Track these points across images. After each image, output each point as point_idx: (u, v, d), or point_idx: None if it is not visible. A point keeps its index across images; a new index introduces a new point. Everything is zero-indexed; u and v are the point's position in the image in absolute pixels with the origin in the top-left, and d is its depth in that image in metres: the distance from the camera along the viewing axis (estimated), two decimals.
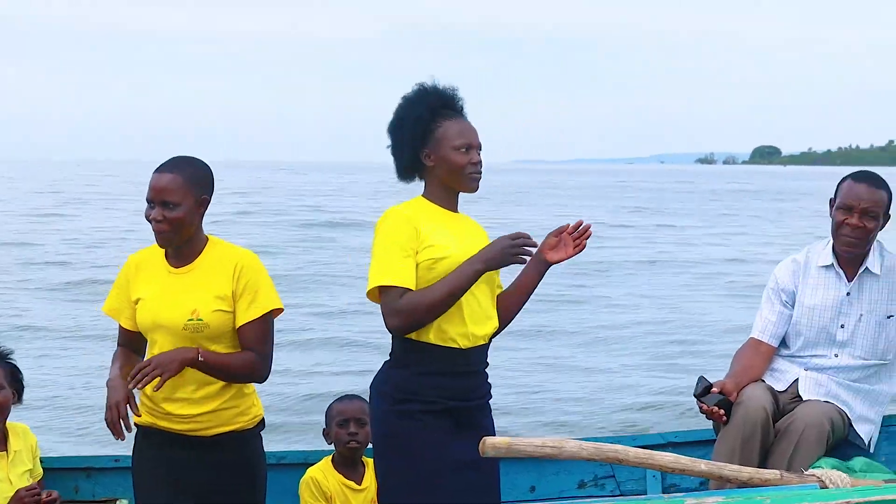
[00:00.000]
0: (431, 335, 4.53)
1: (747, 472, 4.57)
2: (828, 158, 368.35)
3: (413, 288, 4.50)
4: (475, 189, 4.67)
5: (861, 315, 5.52)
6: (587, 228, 4.64)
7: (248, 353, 4.70)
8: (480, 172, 4.64)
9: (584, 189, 79.99)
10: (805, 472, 4.71)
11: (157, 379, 4.48)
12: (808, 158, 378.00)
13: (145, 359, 4.69)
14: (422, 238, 4.54)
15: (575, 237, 4.63)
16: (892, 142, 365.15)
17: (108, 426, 4.55)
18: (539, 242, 4.60)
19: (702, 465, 4.54)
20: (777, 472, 4.68)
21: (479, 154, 4.64)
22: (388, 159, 4.75)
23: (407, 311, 4.48)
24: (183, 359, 4.54)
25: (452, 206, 4.71)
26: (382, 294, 4.53)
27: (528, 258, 4.52)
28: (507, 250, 4.43)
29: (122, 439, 4.53)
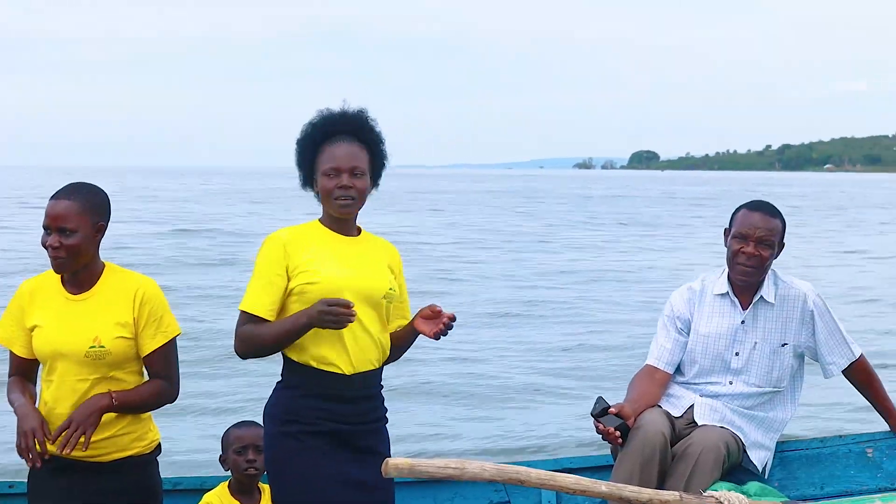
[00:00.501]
0: (311, 360, 4.63)
1: (647, 493, 4.65)
2: (706, 163, 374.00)
3: (264, 315, 4.63)
4: (345, 214, 4.75)
5: (756, 343, 5.66)
6: (452, 319, 4.74)
7: (156, 381, 4.77)
8: (351, 197, 4.68)
9: (452, 194, 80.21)
10: (704, 494, 4.81)
11: (83, 438, 4.51)
12: (686, 163, 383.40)
13: (42, 390, 4.71)
14: (295, 263, 4.64)
15: (444, 323, 4.73)
16: (769, 146, 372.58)
17: (20, 453, 4.53)
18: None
19: (602, 486, 4.60)
20: (676, 493, 4.76)
21: (350, 178, 4.68)
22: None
23: (241, 339, 4.68)
24: (99, 408, 4.58)
25: (345, 229, 4.78)
26: (240, 316, 4.69)
27: (342, 326, 4.53)
28: (322, 315, 4.48)
29: (39, 466, 4.51)
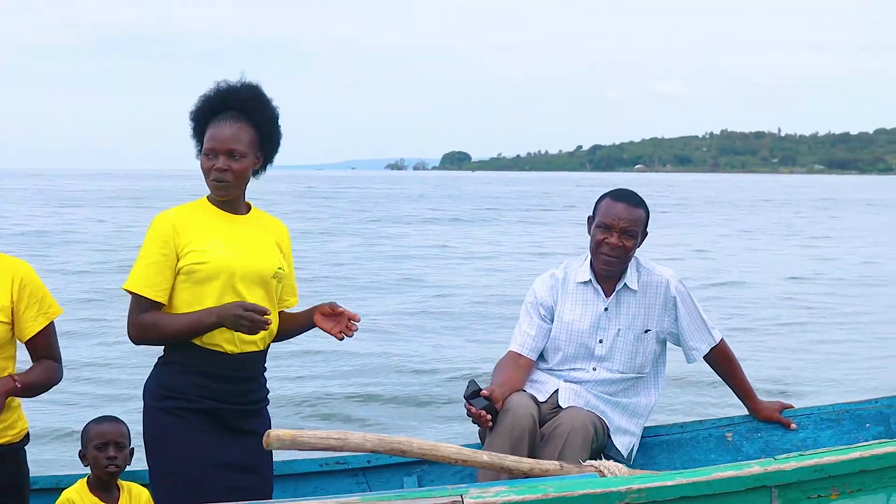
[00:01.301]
0: (196, 338, 4.64)
1: (528, 462, 4.74)
2: (517, 163, 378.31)
3: (153, 297, 4.65)
4: (222, 196, 4.78)
5: (619, 330, 5.77)
6: (355, 320, 4.77)
7: (47, 361, 4.73)
8: (225, 180, 4.70)
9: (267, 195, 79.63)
10: (583, 463, 4.91)
11: None
12: (498, 164, 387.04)
13: None
14: (184, 243, 4.65)
15: (347, 325, 4.76)
16: (580, 147, 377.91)
17: None
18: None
19: (484, 455, 4.69)
20: (556, 462, 4.87)
21: (227, 160, 4.70)
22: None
23: (140, 328, 4.69)
24: (4, 392, 4.52)
25: (233, 207, 4.81)
26: (131, 298, 4.70)
27: (256, 332, 4.59)
28: (237, 319, 4.52)
29: None
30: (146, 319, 4.65)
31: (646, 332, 5.80)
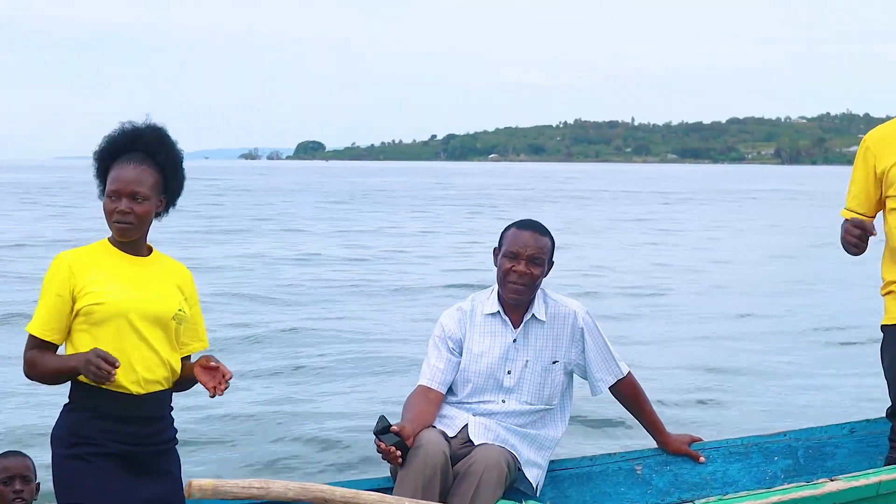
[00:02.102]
0: None
1: None
2: (371, 153, 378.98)
3: (48, 338, 4.69)
4: (124, 238, 4.78)
5: (527, 361, 5.79)
6: (228, 378, 4.76)
7: None
8: (128, 222, 4.70)
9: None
10: None
11: None
12: (352, 153, 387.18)
13: None
14: (80, 284, 4.66)
15: (220, 381, 4.74)
16: (434, 136, 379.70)
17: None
18: None
19: (406, 502, 4.72)
20: None
21: (129, 202, 4.70)
22: None
23: (28, 364, 4.73)
24: None
25: (133, 249, 4.81)
26: (28, 338, 4.73)
27: (101, 381, 4.55)
28: (86, 366, 4.51)
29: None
30: (29, 357, 4.71)
31: (553, 363, 5.83)
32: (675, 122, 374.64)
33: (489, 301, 5.87)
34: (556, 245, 5.92)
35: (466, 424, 5.74)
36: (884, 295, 5.88)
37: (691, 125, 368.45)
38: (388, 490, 5.58)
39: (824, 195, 70.70)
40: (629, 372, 6.02)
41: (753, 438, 6.26)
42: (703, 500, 4.54)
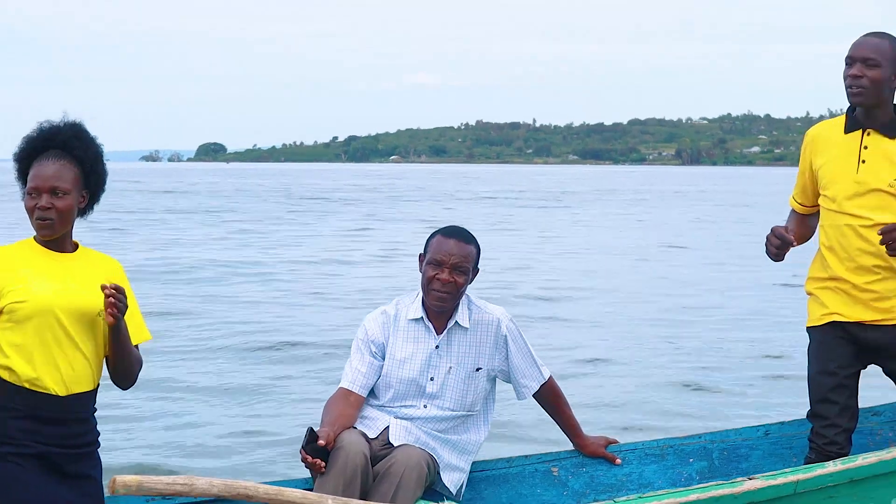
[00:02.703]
0: (24, 381, 4.64)
1: None
2: (273, 154, 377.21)
3: None
4: (46, 236, 4.78)
5: (450, 368, 5.86)
6: (114, 289, 4.71)
7: None
8: (49, 218, 4.70)
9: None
10: None
11: None
12: (254, 155, 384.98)
13: None
14: (3, 283, 4.65)
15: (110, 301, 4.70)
16: (336, 138, 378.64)
17: None
18: None
19: (329, 500, 4.74)
20: None
21: (50, 197, 4.70)
22: None
23: None
24: None
25: (59, 246, 4.80)
26: None
27: None
28: None
29: None
30: None
31: (477, 370, 5.89)
32: (576, 124, 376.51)
33: (413, 306, 5.92)
34: (480, 251, 5.95)
35: (388, 426, 5.78)
36: (807, 294, 6.01)
37: (592, 126, 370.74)
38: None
39: (712, 193, 71.73)
40: (550, 376, 6.11)
41: (669, 440, 6.37)
42: (624, 499, 4.59)
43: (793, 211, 6.23)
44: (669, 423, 10.71)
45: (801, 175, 6.10)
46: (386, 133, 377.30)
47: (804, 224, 6.19)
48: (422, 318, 5.88)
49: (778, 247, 5.86)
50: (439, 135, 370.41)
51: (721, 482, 4.73)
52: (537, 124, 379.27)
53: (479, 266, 5.93)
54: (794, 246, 5.91)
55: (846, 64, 5.80)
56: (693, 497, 4.56)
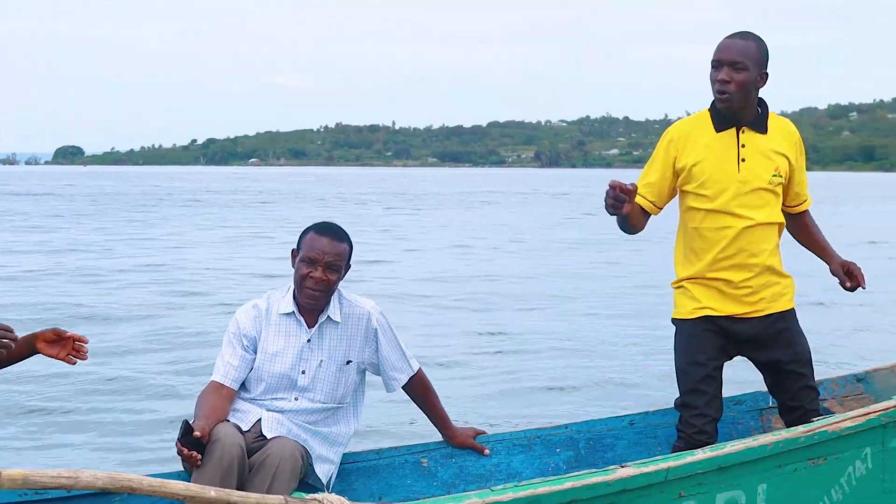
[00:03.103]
0: None
1: (254, 497, 4.80)
2: (131, 157, 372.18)
3: None
4: None
5: (321, 361, 5.91)
6: (82, 341, 4.72)
7: None
8: None
9: None
10: (307, 497, 5.00)
11: None
12: (112, 158, 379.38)
13: None
14: None
15: (75, 346, 4.69)
16: (194, 141, 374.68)
17: None
18: None
19: (212, 491, 4.74)
20: (281, 497, 4.94)
21: None
22: None
23: None
24: None
25: None
26: None
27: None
28: None
29: None
30: None
31: (347, 363, 5.96)
32: (435, 126, 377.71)
33: (284, 301, 5.97)
34: (353, 248, 6.01)
35: (260, 419, 5.81)
36: (674, 288, 6.10)
37: (452, 129, 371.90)
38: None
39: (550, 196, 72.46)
40: (420, 368, 6.19)
41: (536, 431, 6.46)
42: (500, 488, 4.64)
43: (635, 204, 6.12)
44: (533, 411, 10.81)
45: (657, 172, 6.08)
46: (245, 136, 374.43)
47: (640, 221, 6.16)
48: (293, 312, 5.92)
49: (616, 197, 5.71)
50: (299, 137, 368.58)
51: (594, 470, 4.81)
52: (397, 127, 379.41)
53: (350, 263, 5.97)
54: (633, 197, 5.77)
55: (713, 67, 5.89)
56: (568, 485, 4.63)
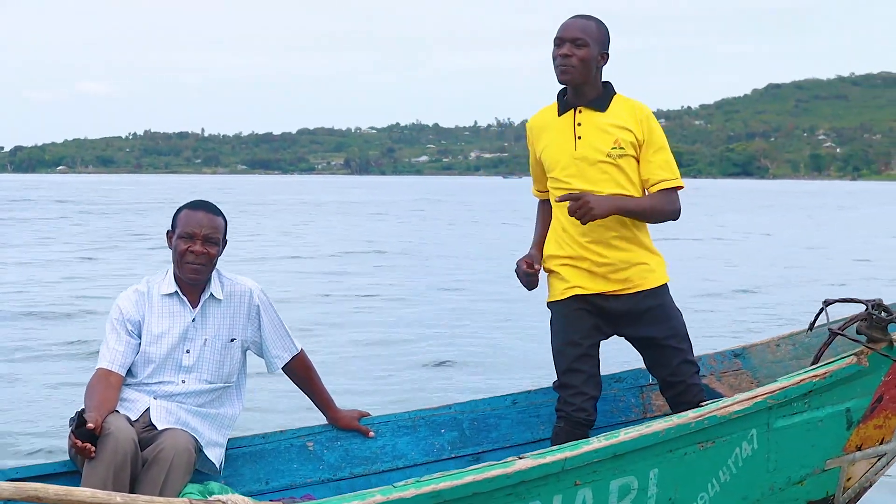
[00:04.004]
0: None
1: (160, 501, 4.70)
2: None
3: None
4: None
5: (206, 340, 5.85)
6: None
7: None
8: None
9: None
10: (210, 498, 4.90)
11: None
12: None
13: None
14: None
15: None
16: (1, 148, 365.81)
17: None
18: None
19: (117, 497, 4.60)
20: (185, 499, 4.84)
21: None
22: None
23: None
24: None
25: None
26: None
27: None
28: None
29: None
30: None
31: (231, 341, 5.91)
32: (245, 133, 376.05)
33: (165, 282, 5.89)
34: (227, 224, 5.95)
35: (148, 408, 5.72)
36: (546, 272, 6.17)
37: (262, 136, 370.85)
38: (69, 474, 5.61)
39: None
40: (302, 349, 6.13)
41: (420, 412, 6.44)
42: (402, 484, 4.62)
43: (539, 202, 6.38)
44: (417, 395, 10.82)
45: (532, 165, 6.27)
46: (53, 143, 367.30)
47: (550, 210, 6.29)
48: (176, 292, 5.85)
49: (527, 274, 6.06)
50: (107, 144, 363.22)
51: (494, 463, 4.82)
52: (206, 134, 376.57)
53: (227, 238, 5.94)
54: (537, 270, 6.11)
55: (555, 45, 5.97)
56: (468, 479, 4.61)
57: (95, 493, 4.53)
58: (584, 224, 5.85)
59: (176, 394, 5.78)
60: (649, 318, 6.04)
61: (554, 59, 5.97)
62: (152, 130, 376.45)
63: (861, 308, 5.55)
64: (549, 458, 4.84)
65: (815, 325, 6.09)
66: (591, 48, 5.93)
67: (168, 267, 5.91)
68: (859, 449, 5.60)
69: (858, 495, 5.75)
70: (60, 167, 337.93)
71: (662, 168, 6.04)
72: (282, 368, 6.11)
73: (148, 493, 5.27)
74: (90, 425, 5.30)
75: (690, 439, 5.16)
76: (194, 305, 5.86)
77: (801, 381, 5.36)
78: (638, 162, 6.01)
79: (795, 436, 5.42)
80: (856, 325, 5.51)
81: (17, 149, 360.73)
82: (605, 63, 6.03)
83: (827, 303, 5.72)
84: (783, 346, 6.78)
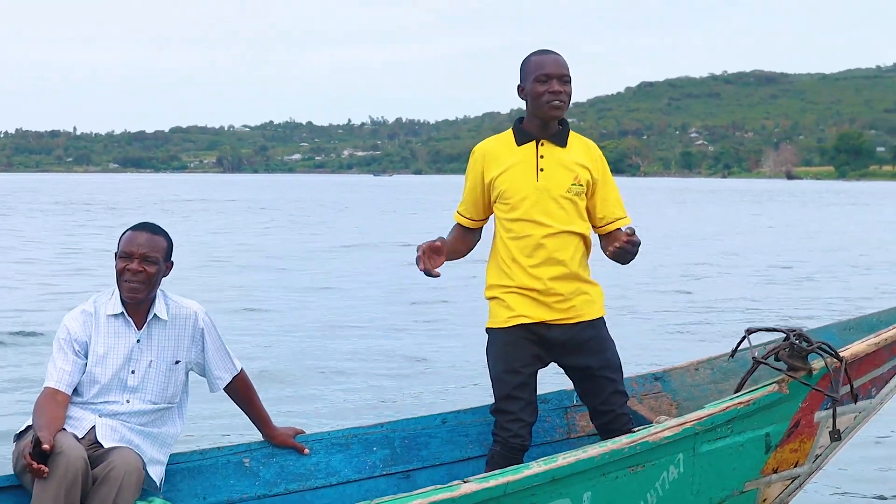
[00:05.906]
0: None
1: None
2: None
3: None
4: None
5: (151, 361, 5.91)
6: None
7: None
8: None
9: None
10: None
11: None
12: None
13: None
14: None
15: None
16: None
17: None
18: None
19: None
20: None
21: None
22: None
23: None
24: None
25: None
26: None
27: None
28: None
29: None
30: None
31: (176, 363, 5.98)
32: (117, 132, 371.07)
33: (111, 302, 5.95)
34: (174, 244, 6.04)
35: (94, 426, 5.77)
36: (488, 299, 6.24)
37: (134, 134, 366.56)
38: (12, 488, 5.69)
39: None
40: (242, 369, 6.22)
41: (353, 430, 6.53)
42: None
43: (457, 226, 6.37)
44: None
45: (472, 191, 6.24)
46: None
47: (466, 239, 6.39)
48: (121, 313, 5.91)
49: (428, 257, 6.05)
50: None
51: (440, 486, 4.92)
52: (78, 132, 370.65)
53: (172, 259, 6.01)
54: (442, 251, 6.09)
55: (540, 81, 6.01)
56: (415, 503, 4.78)
57: None
58: (627, 263, 6.08)
59: (121, 413, 5.84)
60: (587, 348, 6.13)
61: (540, 94, 6.02)
62: (23, 129, 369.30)
63: (782, 336, 5.77)
64: (492, 482, 5.01)
65: (738, 350, 6.33)
66: (572, 83, 6.06)
67: (115, 287, 5.95)
68: (776, 472, 5.82)
69: None
70: None
71: (617, 206, 6.21)
72: (223, 389, 6.19)
73: None
74: (45, 446, 5.34)
75: (623, 463, 5.36)
76: (139, 326, 5.91)
77: (727, 408, 5.56)
78: (587, 199, 6.13)
79: (718, 459, 5.62)
80: (777, 353, 5.72)
81: None
82: None
83: (749, 331, 5.91)
84: (702, 370, 6.98)
